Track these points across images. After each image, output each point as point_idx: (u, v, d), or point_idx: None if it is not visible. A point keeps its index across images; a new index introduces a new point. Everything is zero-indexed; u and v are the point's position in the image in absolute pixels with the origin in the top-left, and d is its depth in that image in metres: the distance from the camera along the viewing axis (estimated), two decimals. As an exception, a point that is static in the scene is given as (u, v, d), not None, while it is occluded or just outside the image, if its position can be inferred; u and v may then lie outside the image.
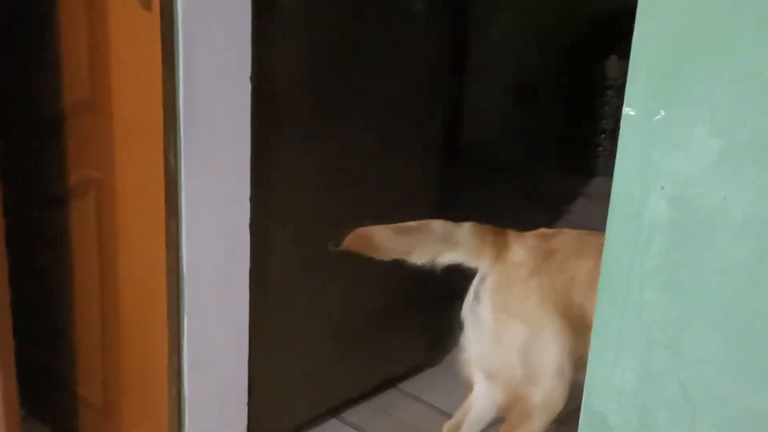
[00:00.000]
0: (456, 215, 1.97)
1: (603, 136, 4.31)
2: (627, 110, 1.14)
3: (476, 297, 1.92)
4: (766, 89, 1.03)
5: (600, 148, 4.34)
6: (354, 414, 2.47)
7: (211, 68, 1.76)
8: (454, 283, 3.12)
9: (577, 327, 1.84)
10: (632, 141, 1.15)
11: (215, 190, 1.87)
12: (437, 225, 1.88)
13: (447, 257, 1.88)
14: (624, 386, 1.23)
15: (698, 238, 1.12)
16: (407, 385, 2.60)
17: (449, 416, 2.47)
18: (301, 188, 2.10)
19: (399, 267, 2.43)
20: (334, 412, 2.44)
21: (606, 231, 1.20)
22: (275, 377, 2.19)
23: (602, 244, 1.96)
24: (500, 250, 1.88)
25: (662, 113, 1.11)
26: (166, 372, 1.92)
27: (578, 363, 1.81)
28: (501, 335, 1.88)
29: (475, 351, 1.96)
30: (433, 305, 2.65)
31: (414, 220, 2.32)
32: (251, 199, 1.93)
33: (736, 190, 1.07)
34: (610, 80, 4.20)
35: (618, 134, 3.67)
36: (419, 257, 1.87)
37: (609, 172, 3.71)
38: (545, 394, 1.88)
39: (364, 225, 1.87)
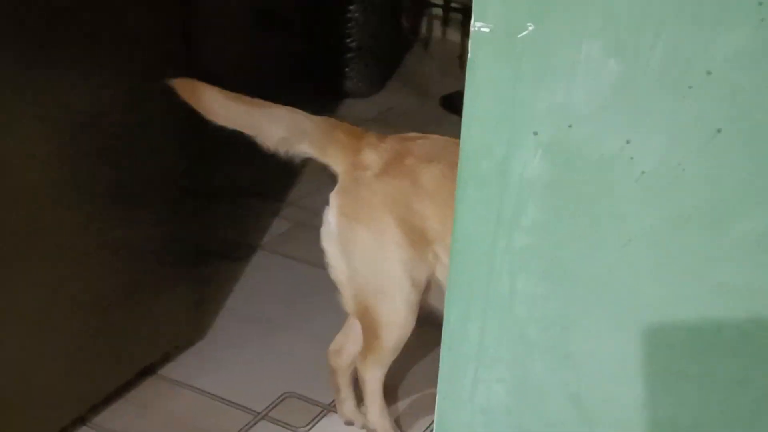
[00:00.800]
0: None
1: (349, 55, 4.00)
2: (478, 26, 0.79)
3: (329, 202, 1.80)
4: (687, -15, 0.72)
5: (347, 69, 4.03)
6: (109, 416, 2.03)
7: None
8: (212, 240, 2.74)
9: (419, 239, 1.69)
10: (487, 70, 0.81)
11: None
12: (284, 110, 1.78)
13: (298, 149, 1.79)
14: (491, 404, 0.91)
15: (588, 202, 0.80)
16: (170, 370, 2.18)
17: (224, 401, 2.10)
18: (6, 147, 1.60)
19: (142, 233, 2.00)
20: (83, 419, 1.98)
21: (455, 199, 0.86)
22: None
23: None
24: (352, 151, 1.75)
25: (530, 27, 0.78)
26: None
27: (421, 282, 1.73)
28: (343, 240, 1.75)
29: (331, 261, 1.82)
30: (189, 270, 2.23)
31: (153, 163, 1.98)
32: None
33: (643, 133, 0.76)
34: (351, -7, 3.88)
35: (366, 52, 3.23)
36: (265, 139, 1.77)
37: (359, 94, 3.39)
38: (388, 309, 1.75)
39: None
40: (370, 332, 1.80)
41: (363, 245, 1.73)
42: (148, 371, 2.15)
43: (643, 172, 0.76)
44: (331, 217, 1.77)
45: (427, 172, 1.68)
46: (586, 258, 0.81)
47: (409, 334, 1.78)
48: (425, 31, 4.69)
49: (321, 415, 2.06)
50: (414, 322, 1.76)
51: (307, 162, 3.32)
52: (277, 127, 1.76)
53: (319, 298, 2.49)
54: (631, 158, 0.77)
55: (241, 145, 2.99)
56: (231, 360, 2.23)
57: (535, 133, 0.80)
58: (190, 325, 2.27)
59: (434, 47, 4.67)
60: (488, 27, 0.78)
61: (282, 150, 1.79)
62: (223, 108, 1.76)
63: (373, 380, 1.90)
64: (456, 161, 1.67)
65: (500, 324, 0.87)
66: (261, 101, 1.78)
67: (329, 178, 3.20)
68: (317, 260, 2.67)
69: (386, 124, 3.79)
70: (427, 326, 2.33)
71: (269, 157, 3.08)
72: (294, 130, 1.78)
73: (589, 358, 0.84)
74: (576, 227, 0.81)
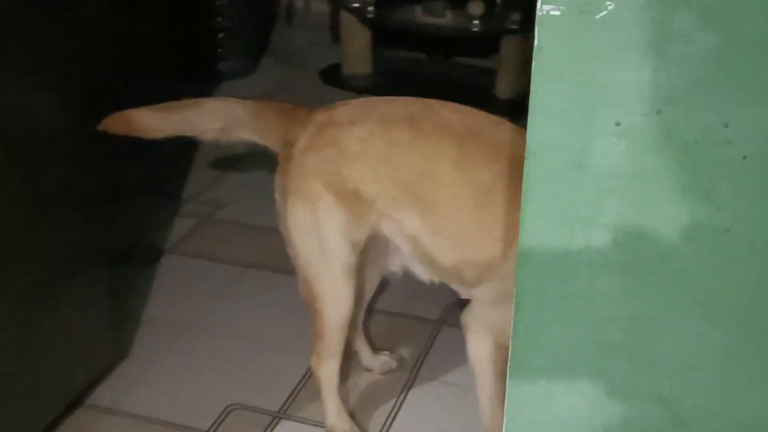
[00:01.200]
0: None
1: (221, 35, 3.82)
2: (546, 9, 0.70)
3: None
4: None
5: (220, 50, 3.85)
6: (39, 459, 1.84)
7: None
8: (116, 246, 2.52)
9: (354, 203, 1.66)
10: (558, 57, 0.72)
11: None
12: (214, 102, 1.81)
13: (236, 136, 1.79)
14: (569, 417, 0.84)
15: (680, 192, 0.73)
16: (98, 397, 2.01)
17: (164, 423, 1.94)
18: None
19: (41, 244, 1.80)
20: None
21: (522, 198, 0.77)
22: None
23: (393, 109, 1.67)
24: (283, 129, 1.74)
25: (610, 6, 0.69)
26: None
27: (360, 244, 1.71)
28: (285, 218, 1.74)
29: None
30: (99, 282, 2.03)
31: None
32: None
33: (744, 113, 0.70)
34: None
35: (238, 31, 3.11)
36: (204, 134, 1.80)
37: (236, 75, 3.26)
38: (329, 281, 1.72)
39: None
40: (316, 315, 1.76)
41: (300, 219, 1.71)
42: (74, 403, 1.97)
43: (744, 157, 0.70)
44: (276, 196, 1.75)
45: (350, 135, 1.66)
46: (677, 251, 0.74)
47: (350, 309, 1.75)
48: (288, 3, 4.55)
49: (273, 423, 1.94)
50: (353, 294, 1.74)
51: (196, 153, 3.16)
52: (212, 121, 1.77)
53: (242, 297, 2.37)
54: (730, 142, 0.70)
55: (127, 142, 2.78)
56: (162, 377, 2.07)
57: (617, 123, 0.72)
58: (111, 343, 2.09)
59: (299, 20, 4.54)
60: (558, 10, 0.70)
61: (223, 140, 1.80)
62: (157, 124, 1.78)
63: (328, 378, 1.84)
64: (380, 118, 1.66)
65: (577, 329, 0.80)
66: (190, 101, 1.79)
67: (224, 169, 3.05)
68: (230, 257, 2.54)
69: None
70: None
71: (158, 153, 2.88)
72: (229, 119, 1.77)
73: (680, 357, 0.78)
74: (665, 219, 0.74)
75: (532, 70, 0.73)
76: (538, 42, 0.71)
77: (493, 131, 1.62)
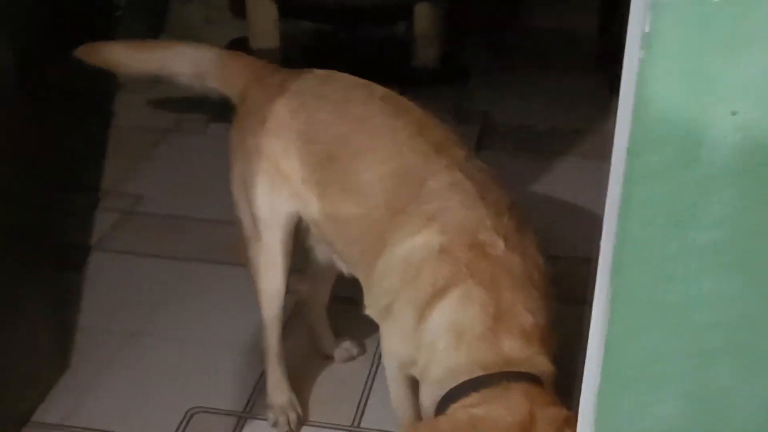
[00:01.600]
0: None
1: (118, 13, 3.62)
2: (658, -6, 0.64)
3: None
4: None
5: (119, 28, 3.65)
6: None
7: None
8: (38, 249, 2.31)
9: (279, 176, 1.62)
10: (672, 46, 0.66)
11: None
12: (186, 47, 1.83)
13: (206, 83, 1.81)
14: (662, 427, 0.79)
15: (798, 184, 0.69)
16: (44, 413, 1.87)
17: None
18: None
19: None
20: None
21: (620, 201, 0.72)
22: None
23: (338, 87, 1.63)
24: (244, 86, 1.72)
25: (731, -11, 0.64)
26: None
27: (293, 217, 1.66)
28: (232, 174, 1.73)
29: None
30: (29, 289, 1.88)
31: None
32: None
33: None
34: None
35: (136, 8, 3.02)
36: (176, 78, 1.83)
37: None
38: (260, 248, 1.70)
39: None
40: (254, 281, 1.74)
41: (236, 180, 1.70)
42: (17, 423, 1.82)
43: None
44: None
45: (286, 105, 1.62)
46: (795, 246, 0.70)
47: (282, 279, 1.71)
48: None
49: (239, 424, 1.85)
50: (286, 263, 1.70)
51: (107, 143, 2.98)
52: (182, 65, 1.80)
53: (184, 294, 2.23)
54: None
55: (37, 135, 2.59)
56: (112, 386, 1.94)
57: (734, 113, 0.67)
58: (52, 355, 1.95)
59: (194, -7, 4.35)
60: (672, -6, 0.64)
61: (198, 87, 1.81)
62: (128, 59, 1.83)
63: (269, 345, 1.80)
64: (318, 94, 1.60)
65: (673, 335, 0.76)
66: (164, 42, 1.99)
67: (138, 158, 2.87)
68: (161, 252, 2.40)
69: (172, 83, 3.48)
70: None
71: (69, 143, 2.72)
72: (199, 66, 1.78)
73: (787, 356, 0.75)
74: (780, 215, 0.70)
75: (640, 63, 0.67)
76: (651, 32, 0.65)
77: (404, 136, 1.52)
